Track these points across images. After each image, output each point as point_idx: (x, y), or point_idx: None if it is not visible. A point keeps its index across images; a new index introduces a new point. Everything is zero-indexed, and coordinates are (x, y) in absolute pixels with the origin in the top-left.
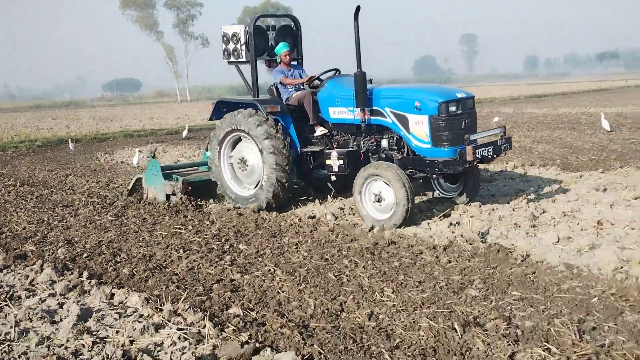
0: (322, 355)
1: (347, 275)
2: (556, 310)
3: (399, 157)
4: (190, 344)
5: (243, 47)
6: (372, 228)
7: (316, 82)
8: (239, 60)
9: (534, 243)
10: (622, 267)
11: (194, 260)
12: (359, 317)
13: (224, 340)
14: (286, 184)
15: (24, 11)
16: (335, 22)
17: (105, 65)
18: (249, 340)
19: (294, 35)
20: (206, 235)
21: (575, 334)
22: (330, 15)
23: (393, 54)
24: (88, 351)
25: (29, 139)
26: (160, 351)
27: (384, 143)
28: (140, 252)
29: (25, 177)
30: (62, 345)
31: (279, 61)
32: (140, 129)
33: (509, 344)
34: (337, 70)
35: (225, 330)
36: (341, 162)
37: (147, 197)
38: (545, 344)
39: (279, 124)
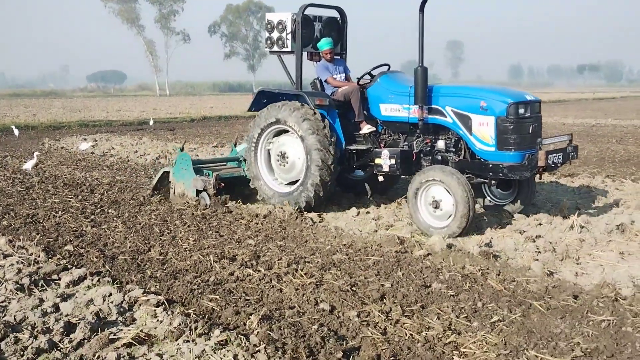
0: (107, 271)
1: (170, 230)
2: (295, 253)
3: (456, 159)
4: (23, 265)
5: (289, 37)
6: (225, 202)
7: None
8: (283, 49)
9: (338, 216)
10: (377, 230)
11: (65, 218)
12: (154, 254)
13: (48, 264)
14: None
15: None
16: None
17: (91, 56)
18: (64, 263)
19: (339, 29)
20: (88, 202)
21: (288, 263)
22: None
23: (378, 56)
24: None
25: None
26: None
27: (440, 144)
28: (26, 212)
29: None
30: None
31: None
32: (97, 120)
33: (238, 267)
34: (387, 65)
35: (53, 258)
36: (393, 161)
37: (174, 193)
38: (259, 267)
39: (325, 119)
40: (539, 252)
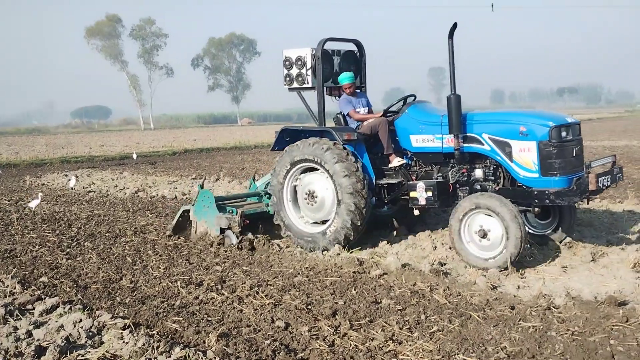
0: (79, 300)
1: (142, 260)
2: (259, 277)
3: (496, 188)
4: None
5: (309, 72)
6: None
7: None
8: (304, 86)
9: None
10: (340, 254)
11: (41, 252)
12: (125, 282)
13: (23, 295)
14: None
15: None
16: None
17: (75, 92)
18: (38, 293)
19: (357, 62)
20: (65, 236)
21: (250, 286)
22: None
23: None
24: None
25: None
26: None
27: (478, 173)
28: (4, 248)
29: None
30: None
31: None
32: (79, 156)
33: (203, 292)
34: (413, 96)
35: (28, 290)
36: (429, 194)
37: (196, 232)
38: (223, 291)
39: (353, 153)
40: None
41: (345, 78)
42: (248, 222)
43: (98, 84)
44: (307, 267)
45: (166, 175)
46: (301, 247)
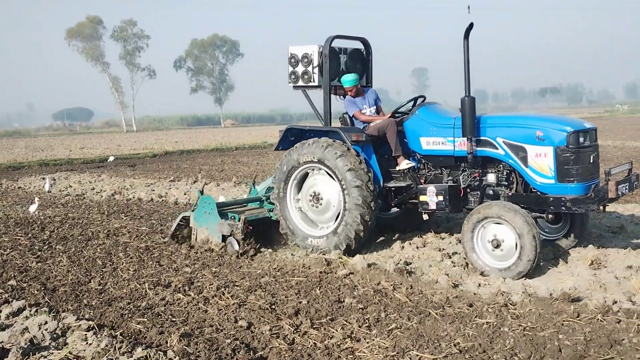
0: (46, 302)
1: (112, 262)
2: (227, 278)
3: (509, 193)
4: None
5: (315, 70)
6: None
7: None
8: (309, 84)
9: (274, 244)
10: (308, 254)
11: (12, 256)
12: (93, 285)
13: None
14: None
15: None
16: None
17: (57, 94)
18: (6, 297)
19: (364, 60)
20: (37, 240)
21: (217, 287)
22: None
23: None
24: None
25: None
26: None
27: (491, 177)
28: None
29: None
30: None
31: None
32: (58, 159)
33: (170, 293)
34: (423, 97)
35: None
36: (440, 198)
37: (196, 239)
38: (190, 292)
39: (361, 155)
40: (455, 267)
41: (347, 81)
42: (251, 228)
43: (80, 86)
44: (275, 268)
45: (144, 178)
46: (277, 222)
